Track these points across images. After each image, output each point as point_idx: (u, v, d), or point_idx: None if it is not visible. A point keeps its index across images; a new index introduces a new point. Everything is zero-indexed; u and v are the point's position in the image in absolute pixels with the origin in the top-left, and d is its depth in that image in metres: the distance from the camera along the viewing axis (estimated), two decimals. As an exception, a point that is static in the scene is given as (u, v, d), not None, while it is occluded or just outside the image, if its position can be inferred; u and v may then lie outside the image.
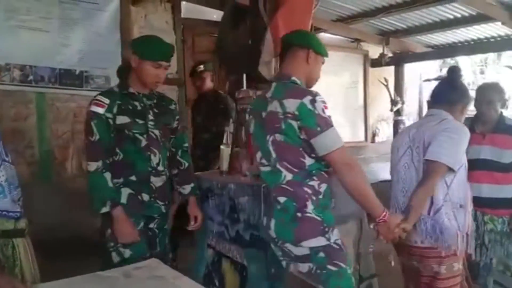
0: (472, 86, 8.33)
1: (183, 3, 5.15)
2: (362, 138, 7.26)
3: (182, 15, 5.18)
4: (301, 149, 1.88)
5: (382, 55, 6.96)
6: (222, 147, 3.02)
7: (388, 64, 7.05)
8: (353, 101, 7.10)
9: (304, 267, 1.90)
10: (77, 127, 4.45)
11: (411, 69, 7.43)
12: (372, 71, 7.36)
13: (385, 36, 6.73)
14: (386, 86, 6.61)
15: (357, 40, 7.02)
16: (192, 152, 3.39)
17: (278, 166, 1.93)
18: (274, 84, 2.05)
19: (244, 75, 3.00)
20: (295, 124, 1.85)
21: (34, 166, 4.26)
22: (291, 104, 1.85)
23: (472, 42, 6.53)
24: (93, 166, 2.24)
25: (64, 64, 4.31)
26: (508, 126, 2.81)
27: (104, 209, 2.23)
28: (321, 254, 1.87)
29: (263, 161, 2.02)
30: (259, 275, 2.46)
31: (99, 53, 4.43)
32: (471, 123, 2.88)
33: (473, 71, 9.13)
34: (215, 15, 5.07)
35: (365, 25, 6.33)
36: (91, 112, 2.28)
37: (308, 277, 1.91)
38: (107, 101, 2.30)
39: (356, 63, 7.18)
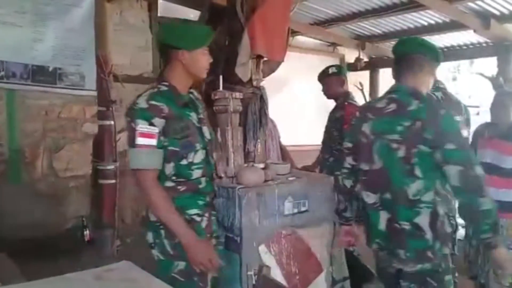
0: (445, 92, 8.50)
1: (160, 1, 5.11)
2: (336, 141, 7.32)
3: (159, 14, 5.13)
4: None
5: (357, 59, 7.04)
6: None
7: (363, 68, 7.13)
8: (329, 104, 7.13)
9: None
10: (49, 125, 4.36)
11: (386, 74, 7.53)
12: (347, 75, 7.42)
13: (361, 40, 6.81)
14: (361, 90, 6.66)
15: (334, 44, 7.08)
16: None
17: None
18: None
19: (221, 76, 2.99)
20: None
21: (3, 165, 4.14)
22: None
23: (445, 49, 6.66)
24: None
25: (37, 60, 4.20)
26: None
27: None
28: None
29: None
30: (232, 278, 2.45)
31: (73, 49, 4.35)
32: (484, 128, 3.06)
33: (445, 77, 9.33)
34: (192, 14, 5.05)
35: (342, 29, 6.39)
36: None
37: None
38: None
39: (332, 67, 7.23)
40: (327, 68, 3.82)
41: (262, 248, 2.46)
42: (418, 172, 1.93)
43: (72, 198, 4.49)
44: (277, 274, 2.46)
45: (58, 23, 4.28)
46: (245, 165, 2.83)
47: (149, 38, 5.06)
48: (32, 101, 4.27)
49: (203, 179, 2.04)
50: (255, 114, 3.16)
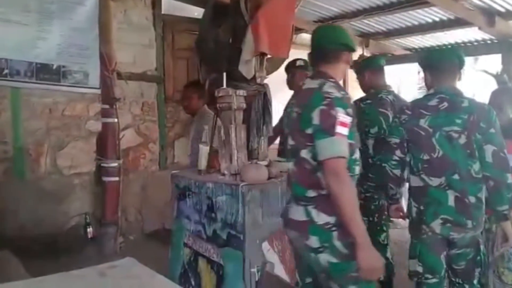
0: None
1: (164, -1, 5.11)
2: (341, 138, 7.31)
3: (163, 12, 5.13)
4: None
5: (361, 56, 7.00)
6: (200, 145, 3.01)
7: (367, 66, 7.10)
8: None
9: None
10: (53, 123, 4.38)
11: (390, 72, 7.49)
12: (351, 72, 7.40)
13: (365, 38, 6.78)
14: (365, 87, 6.64)
15: (338, 41, 7.05)
16: None
17: None
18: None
19: (224, 74, 2.98)
20: None
21: (7, 163, 4.16)
22: None
23: (449, 46, 6.63)
24: None
25: (41, 58, 4.19)
26: None
27: None
28: None
29: None
30: (236, 274, 2.46)
31: (77, 47, 4.35)
32: None
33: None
34: (196, 12, 5.05)
35: (346, 26, 6.37)
36: None
37: None
38: None
39: (336, 64, 7.20)
40: (295, 60, 3.86)
41: (265, 245, 2.46)
42: (476, 154, 2.37)
43: (76, 195, 4.51)
44: (280, 271, 2.47)
45: (63, 21, 4.28)
46: (249, 162, 2.83)
47: (153, 36, 5.06)
48: (36, 99, 4.28)
49: (357, 177, 2.05)
50: (258, 112, 3.16)
